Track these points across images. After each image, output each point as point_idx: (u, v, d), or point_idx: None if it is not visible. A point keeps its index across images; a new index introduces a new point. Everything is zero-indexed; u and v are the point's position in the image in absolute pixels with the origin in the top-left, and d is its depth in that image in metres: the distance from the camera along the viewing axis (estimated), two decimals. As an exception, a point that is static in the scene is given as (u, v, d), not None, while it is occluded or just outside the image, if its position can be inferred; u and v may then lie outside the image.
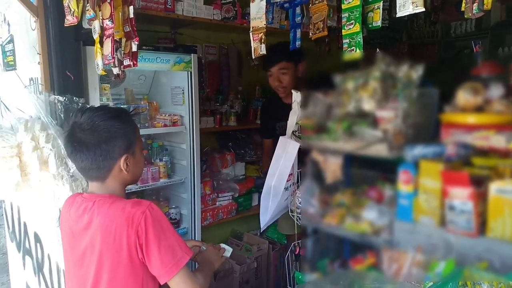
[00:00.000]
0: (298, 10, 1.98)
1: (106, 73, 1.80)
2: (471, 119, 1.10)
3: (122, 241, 1.26)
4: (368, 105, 1.23)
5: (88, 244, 1.33)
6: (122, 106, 2.60)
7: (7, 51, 2.39)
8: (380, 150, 1.21)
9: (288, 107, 2.49)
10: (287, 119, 2.44)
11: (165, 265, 1.27)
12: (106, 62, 1.69)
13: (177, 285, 1.31)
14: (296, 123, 1.85)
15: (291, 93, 2.41)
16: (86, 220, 1.33)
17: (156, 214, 1.29)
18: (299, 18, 1.99)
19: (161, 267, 1.28)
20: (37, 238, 2.29)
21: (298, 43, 2.00)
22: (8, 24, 2.37)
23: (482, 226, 1.07)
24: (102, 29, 1.67)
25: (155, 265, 1.28)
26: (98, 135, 1.32)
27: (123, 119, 1.39)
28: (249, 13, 1.86)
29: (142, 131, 2.67)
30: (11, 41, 2.34)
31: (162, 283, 1.33)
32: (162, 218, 1.31)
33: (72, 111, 1.68)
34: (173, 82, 2.80)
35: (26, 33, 2.16)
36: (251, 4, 1.71)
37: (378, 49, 1.64)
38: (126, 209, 1.28)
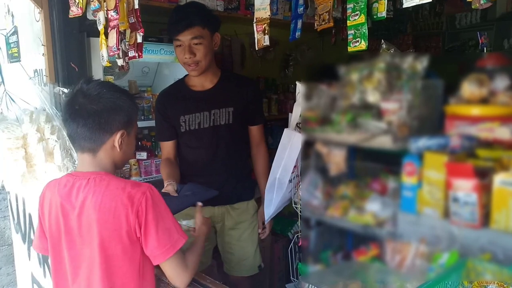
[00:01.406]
0: (301, 0, 1.97)
1: (111, 65, 1.80)
2: (476, 111, 1.10)
3: (121, 220, 1.25)
4: (372, 96, 1.23)
5: (84, 223, 1.30)
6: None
7: (11, 42, 2.39)
8: (385, 142, 1.21)
9: (200, 95, 2.01)
10: (198, 111, 2.00)
11: (162, 246, 1.28)
12: (111, 53, 1.69)
13: (170, 267, 1.32)
14: (300, 115, 1.85)
15: (206, 72, 1.98)
16: (80, 199, 1.30)
17: (155, 196, 1.30)
18: (302, 8, 1.97)
19: (158, 248, 1.28)
20: (42, 229, 2.31)
21: (298, 33, 1.97)
22: (12, 16, 2.37)
23: (485, 217, 1.08)
24: (107, 20, 1.67)
25: (152, 246, 1.28)
26: (104, 102, 1.30)
27: (130, 96, 1.40)
28: (253, 4, 1.84)
29: (146, 123, 2.69)
30: (15, 32, 2.34)
31: (155, 264, 1.33)
32: (160, 201, 1.32)
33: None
34: (176, 74, 2.79)
35: (30, 25, 2.16)
36: (256, -5, 1.70)
37: (383, 41, 1.63)
38: (126, 189, 1.27)
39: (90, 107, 1.29)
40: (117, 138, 1.33)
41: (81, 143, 1.33)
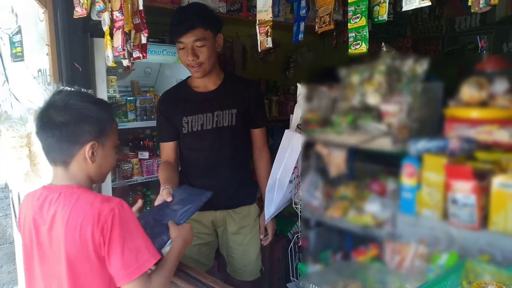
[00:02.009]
0: (303, 3, 1.98)
1: (116, 65, 1.81)
2: (475, 113, 1.11)
3: (87, 237, 1.18)
4: (373, 99, 1.25)
5: (54, 239, 1.24)
6: (128, 98, 2.63)
7: (15, 42, 2.41)
8: (384, 144, 1.23)
9: (203, 97, 2.00)
10: (201, 112, 1.98)
11: (127, 267, 1.20)
12: (116, 54, 1.70)
13: None
14: (301, 117, 1.86)
15: (209, 73, 1.96)
16: (51, 213, 1.24)
17: (125, 213, 1.22)
18: (304, 11, 1.97)
19: (122, 268, 1.20)
20: (44, 228, 2.31)
21: (301, 36, 1.97)
22: (16, 15, 2.38)
23: (484, 219, 1.09)
24: (112, 21, 1.68)
25: (116, 266, 1.20)
26: (69, 114, 1.24)
27: (101, 107, 1.32)
28: (254, 6, 1.86)
29: (148, 123, 2.71)
30: (19, 32, 2.36)
31: (118, 286, 1.23)
32: (131, 218, 1.24)
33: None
34: (179, 74, 2.81)
35: (34, 24, 2.18)
36: (258, -3, 1.72)
37: (383, 43, 1.64)
38: (94, 205, 1.20)
39: (57, 118, 1.24)
40: (86, 149, 1.26)
41: (52, 155, 1.29)
